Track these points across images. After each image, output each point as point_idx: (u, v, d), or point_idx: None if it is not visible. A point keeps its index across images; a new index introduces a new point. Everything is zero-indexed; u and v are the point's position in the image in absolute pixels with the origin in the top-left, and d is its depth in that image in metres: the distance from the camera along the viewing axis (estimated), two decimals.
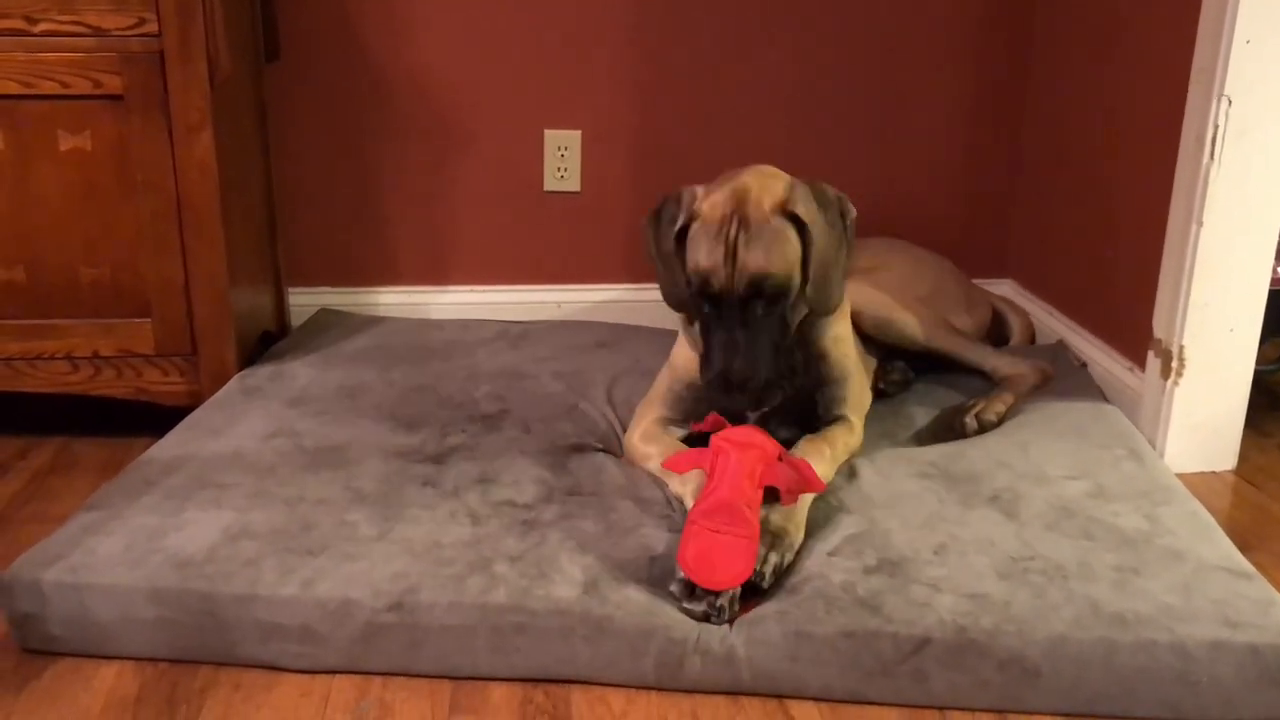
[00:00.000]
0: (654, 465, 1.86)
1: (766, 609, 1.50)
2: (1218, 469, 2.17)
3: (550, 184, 2.68)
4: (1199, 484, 2.11)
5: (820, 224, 1.77)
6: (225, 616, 1.51)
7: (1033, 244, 2.79)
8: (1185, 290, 2.05)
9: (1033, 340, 2.64)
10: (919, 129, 2.76)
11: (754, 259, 1.71)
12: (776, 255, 1.72)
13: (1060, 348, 2.51)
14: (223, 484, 1.80)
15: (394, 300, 2.71)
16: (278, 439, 1.98)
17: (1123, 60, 2.34)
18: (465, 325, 2.63)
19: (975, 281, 2.72)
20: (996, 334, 2.63)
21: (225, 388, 2.19)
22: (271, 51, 2.48)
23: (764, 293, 1.72)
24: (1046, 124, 2.70)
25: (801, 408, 1.93)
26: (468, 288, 2.73)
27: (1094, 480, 1.86)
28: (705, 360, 1.77)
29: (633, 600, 1.51)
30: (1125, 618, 1.47)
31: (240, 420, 2.05)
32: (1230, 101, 1.94)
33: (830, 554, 1.62)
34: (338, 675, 1.51)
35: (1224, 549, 1.66)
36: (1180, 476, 2.07)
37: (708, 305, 1.76)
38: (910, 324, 2.28)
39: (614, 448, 2.02)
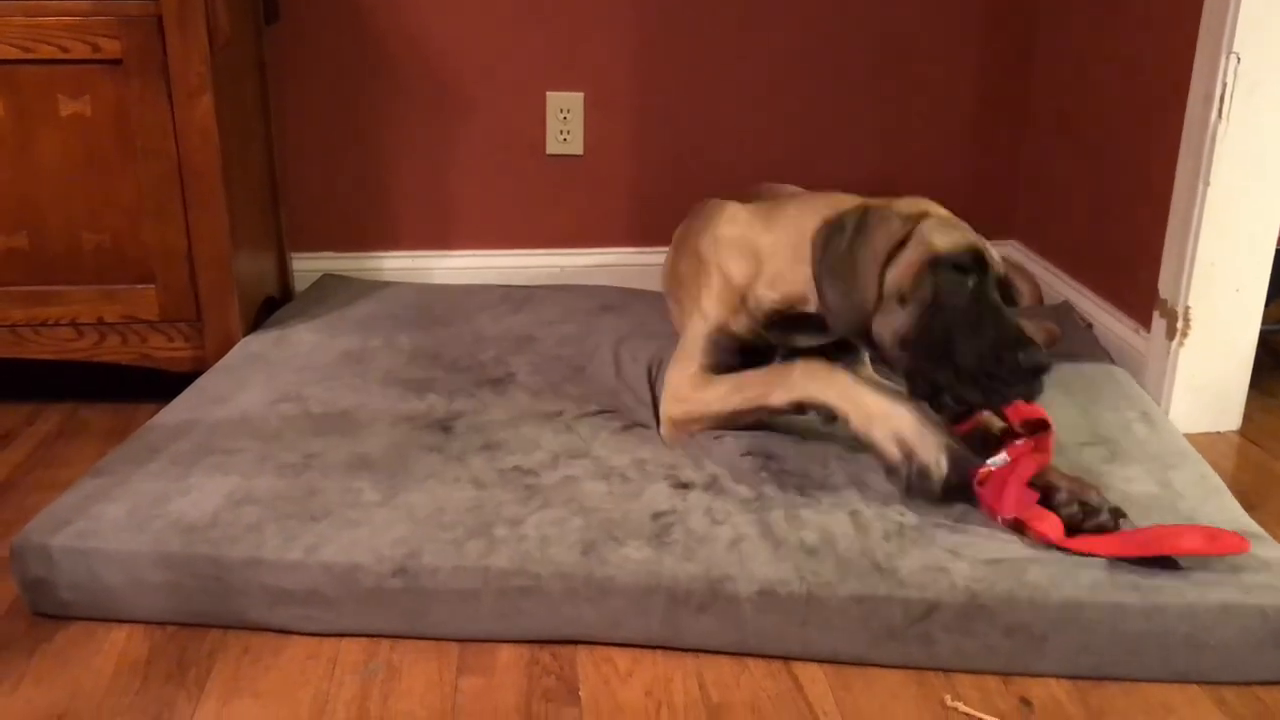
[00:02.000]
0: (738, 399, 1.82)
1: (781, 569, 1.50)
2: (1222, 429, 2.17)
3: (553, 147, 2.66)
4: (1204, 444, 2.10)
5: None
6: (231, 581, 1.52)
7: (1037, 205, 2.78)
8: (1191, 251, 2.04)
9: (1040, 302, 2.63)
10: (926, 90, 2.73)
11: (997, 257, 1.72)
12: None
13: (1066, 309, 2.50)
14: (228, 449, 1.80)
15: (397, 265, 2.71)
16: (283, 404, 1.98)
17: (1130, 17, 2.31)
18: (468, 290, 2.63)
19: None
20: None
21: (230, 354, 2.19)
22: (271, 13, 2.45)
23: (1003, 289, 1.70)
24: (1053, 84, 2.67)
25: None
26: (470, 252, 2.72)
27: (1108, 446, 1.85)
28: (954, 339, 1.63)
29: (632, 560, 1.52)
30: (1138, 583, 1.47)
31: (245, 386, 2.05)
32: (1239, 59, 1.92)
33: (852, 513, 1.63)
34: (345, 638, 1.52)
35: (1232, 511, 1.66)
36: (1185, 437, 2.08)
37: (974, 280, 1.65)
38: None
39: (623, 408, 2.02)
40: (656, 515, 1.63)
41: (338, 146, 2.62)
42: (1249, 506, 1.86)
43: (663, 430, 1.91)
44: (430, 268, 2.70)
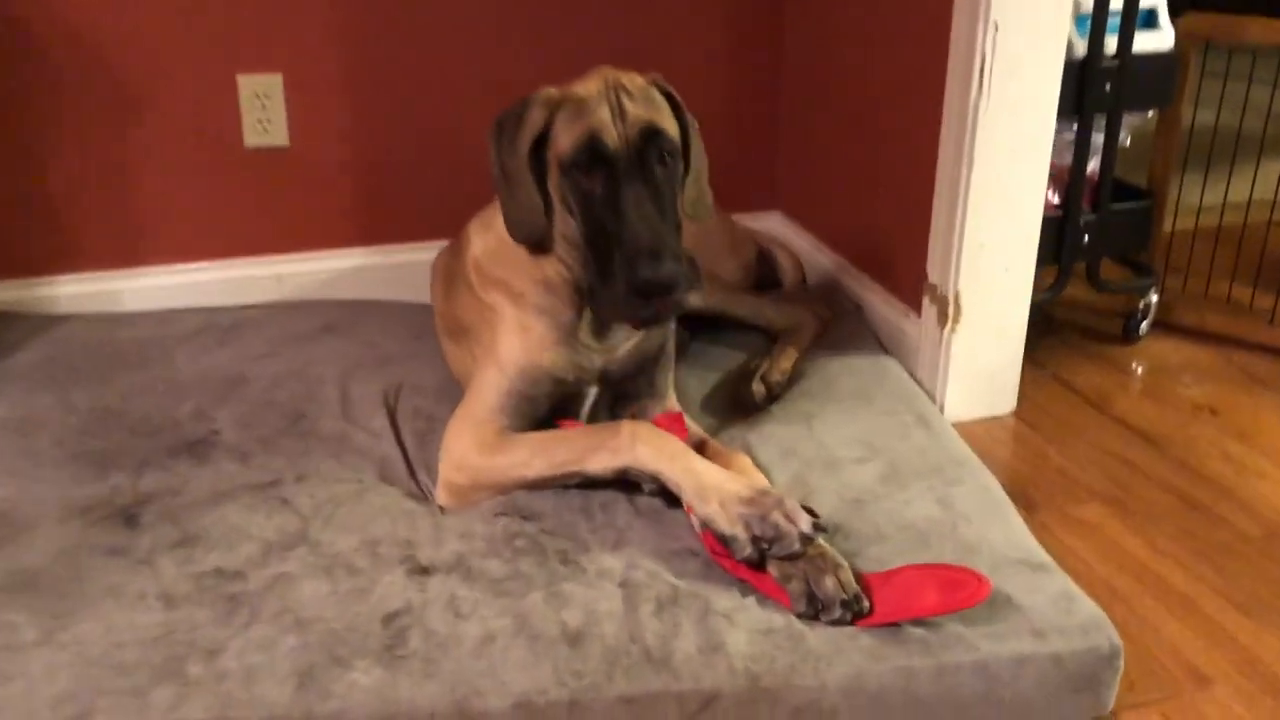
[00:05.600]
0: (544, 465, 1.58)
1: (539, 674, 1.29)
2: (998, 413, 2.08)
3: (252, 139, 2.28)
4: (979, 432, 2.02)
5: (688, 113, 1.62)
6: None
7: (800, 175, 2.61)
8: (959, 234, 1.91)
9: (803, 280, 2.47)
10: (673, 53, 2.49)
11: (643, 112, 1.53)
12: (664, 117, 1.56)
13: (832, 288, 2.36)
14: None
15: (77, 291, 2.27)
16: None
17: None
18: (163, 318, 2.23)
19: (739, 217, 2.52)
20: (764, 273, 2.45)
21: None
22: None
23: (659, 147, 1.53)
24: (807, 47, 2.48)
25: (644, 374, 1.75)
26: (166, 268, 2.32)
27: (885, 459, 1.71)
28: (607, 247, 1.49)
29: (360, 686, 1.27)
30: (926, 641, 1.33)
31: None
32: (998, 27, 1.78)
33: (622, 583, 1.43)
34: None
35: (1017, 535, 1.54)
36: (960, 426, 1.99)
37: (601, 180, 1.51)
38: None
39: (352, 460, 1.74)
40: (389, 618, 1.38)
41: None
42: (1030, 505, 1.79)
43: (440, 497, 1.64)
44: (119, 290, 2.29)
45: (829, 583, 1.37)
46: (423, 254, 2.34)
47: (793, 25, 2.52)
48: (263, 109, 2.26)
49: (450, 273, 1.92)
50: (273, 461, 1.72)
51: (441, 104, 2.35)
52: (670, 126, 1.57)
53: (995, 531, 1.54)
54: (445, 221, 2.28)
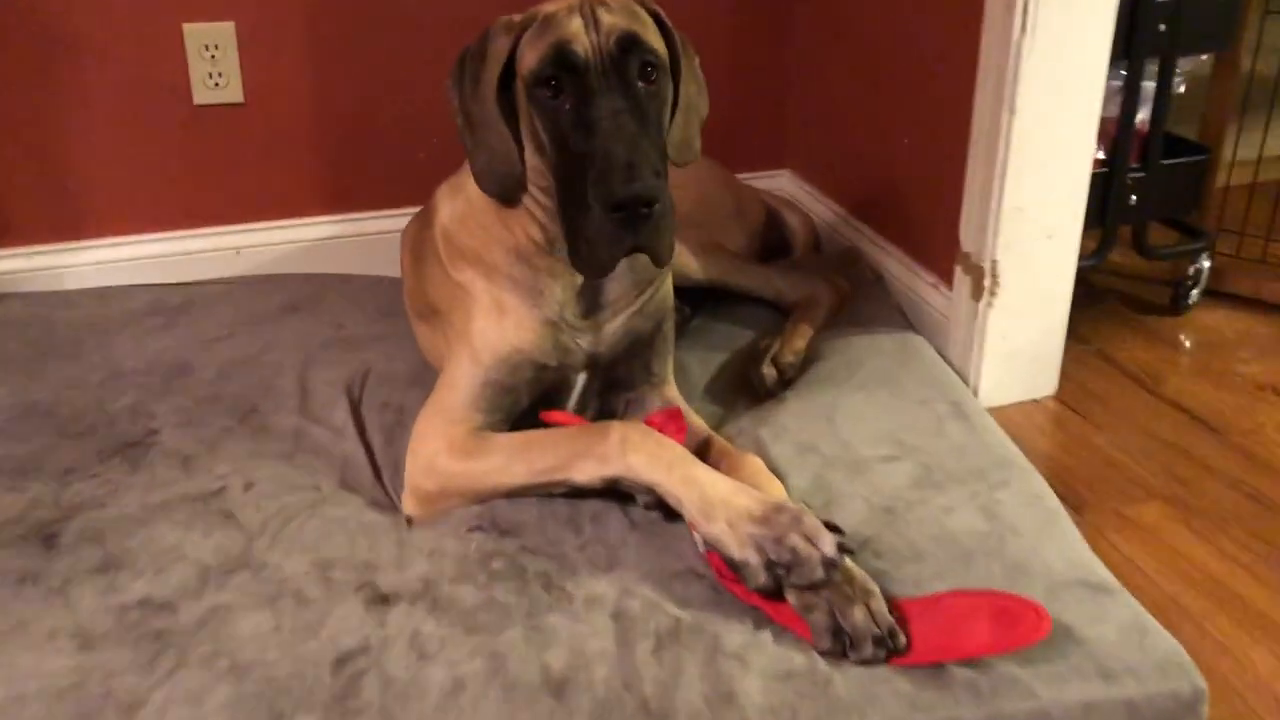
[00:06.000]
0: (524, 472, 1.38)
1: None
2: (1038, 396, 1.86)
3: (202, 96, 2.04)
4: (1018, 418, 1.81)
5: (680, 37, 1.42)
6: None
7: (813, 129, 2.37)
8: (998, 194, 1.68)
9: (817, 245, 2.24)
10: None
11: (621, 21, 1.32)
12: (648, 30, 1.35)
13: (852, 256, 2.13)
14: None
15: (11, 268, 2.04)
16: None
17: None
18: (104, 296, 2.00)
19: (744, 177, 2.29)
20: (773, 239, 2.22)
21: None
22: None
23: (640, 59, 1.32)
24: None
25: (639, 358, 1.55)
26: (110, 240, 2.09)
27: (917, 458, 1.49)
28: (580, 173, 1.28)
29: None
30: (976, 685, 1.12)
31: None
32: None
33: (615, 614, 1.23)
34: None
35: (1075, 550, 1.33)
36: (997, 411, 1.79)
37: (571, 97, 1.30)
38: (683, 256, 1.83)
39: (308, 461, 1.54)
40: (341, 661, 1.18)
41: None
42: (1078, 505, 1.59)
43: (406, 505, 1.43)
44: (58, 267, 2.06)
45: (858, 614, 1.16)
46: (395, 222, 2.12)
47: None
48: (213, 61, 2.02)
49: (419, 244, 1.70)
50: (217, 466, 1.51)
51: (415, 55, 2.11)
52: (656, 41, 1.36)
53: (1049, 546, 1.32)
54: (419, 187, 2.02)
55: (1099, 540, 1.49)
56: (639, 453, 1.31)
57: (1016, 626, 1.13)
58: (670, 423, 1.41)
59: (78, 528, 1.38)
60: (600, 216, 1.26)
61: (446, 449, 1.42)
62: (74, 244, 2.07)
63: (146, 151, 2.06)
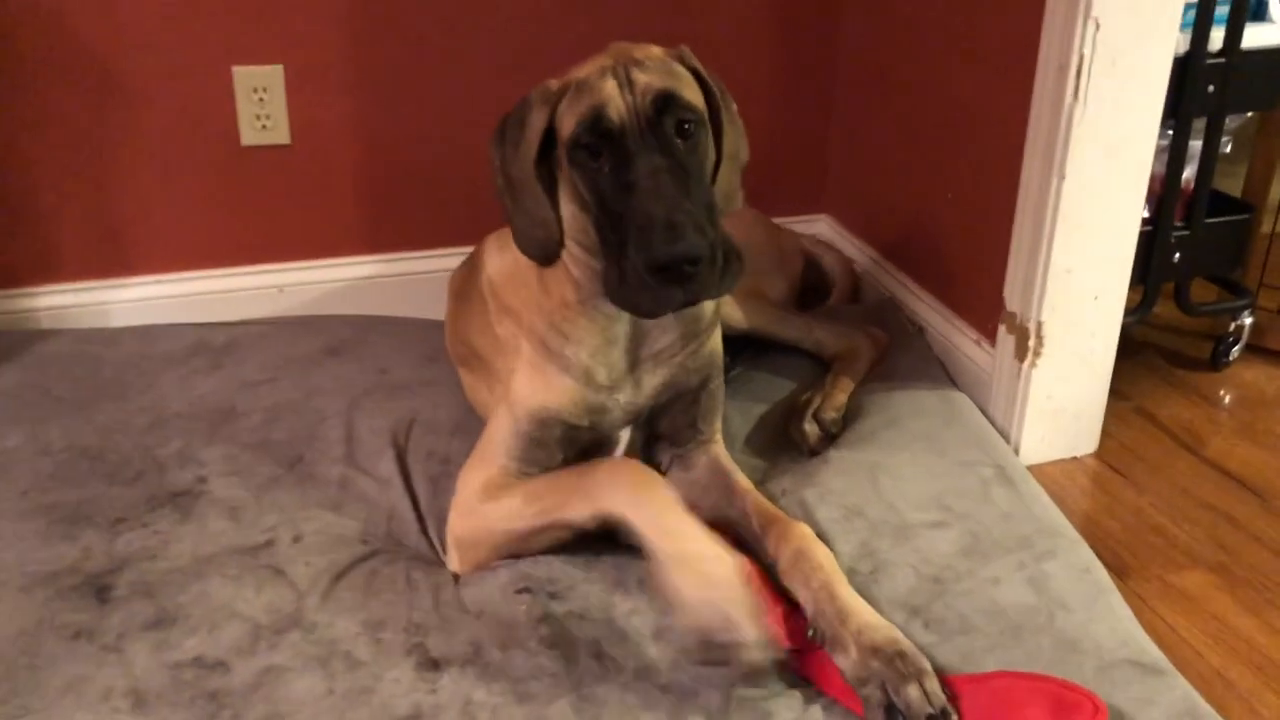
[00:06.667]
0: (532, 513, 1.39)
1: None
2: (1079, 454, 1.86)
3: (250, 137, 2.06)
4: (1059, 477, 1.80)
5: (718, 87, 1.41)
6: None
7: (854, 176, 2.36)
8: (1044, 257, 1.68)
9: (856, 291, 2.25)
10: (711, 36, 2.25)
11: (657, 80, 1.32)
12: (684, 86, 1.35)
13: (891, 307, 2.12)
14: None
15: (58, 303, 2.06)
16: None
17: None
18: (150, 334, 2.01)
19: (783, 221, 2.29)
20: (812, 285, 2.22)
21: None
22: None
23: (678, 116, 1.32)
24: (866, 30, 2.23)
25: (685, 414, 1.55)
26: (156, 277, 2.10)
27: (964, 525, 1.49)
28: (622, 234, 1.28)
29: None
30: None
31: None
32: (1099, 25, 1.54)
33: (663, 686, 1.23)
34: None
35: (1125, 626, 1.33)
36: (1037, 469, 1.78)
37: (609, 159, 1.30)
38: (726, 305, 1.83)
39: (354, 511, 1.55)
40: None
41: None
42: (1122, 570, 1.57)
43: (449, 555, 1.45)
44: (105, 303, 2.08)
45: (913, 692, 1.17)
46: (436, 263, 2.15)
47: (850, 5, 2.28)
48: (261, 104, 2.03)
49: (465, 291, 1.72)
50: (265, 516, 1.52)
51: (459, 97, 2.12)
52: (693, 97, 1.36)
53: (1099, 622, 1.32)
54: (463, 227, 2.08)
55: (1143, 609, 1.48)
56: (619, 488, 1.32)
57: (1073, 716, 1.13)
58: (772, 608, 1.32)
59: (130, 580, 1.39)
60: (646, 276, 1.26)
61: (480, 490, 1.45)
62: (121, 280, 2.09)
63: (193, 190, 2.07)
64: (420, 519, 1.56)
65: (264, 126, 2.05)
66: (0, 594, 1.36)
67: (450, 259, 1.94)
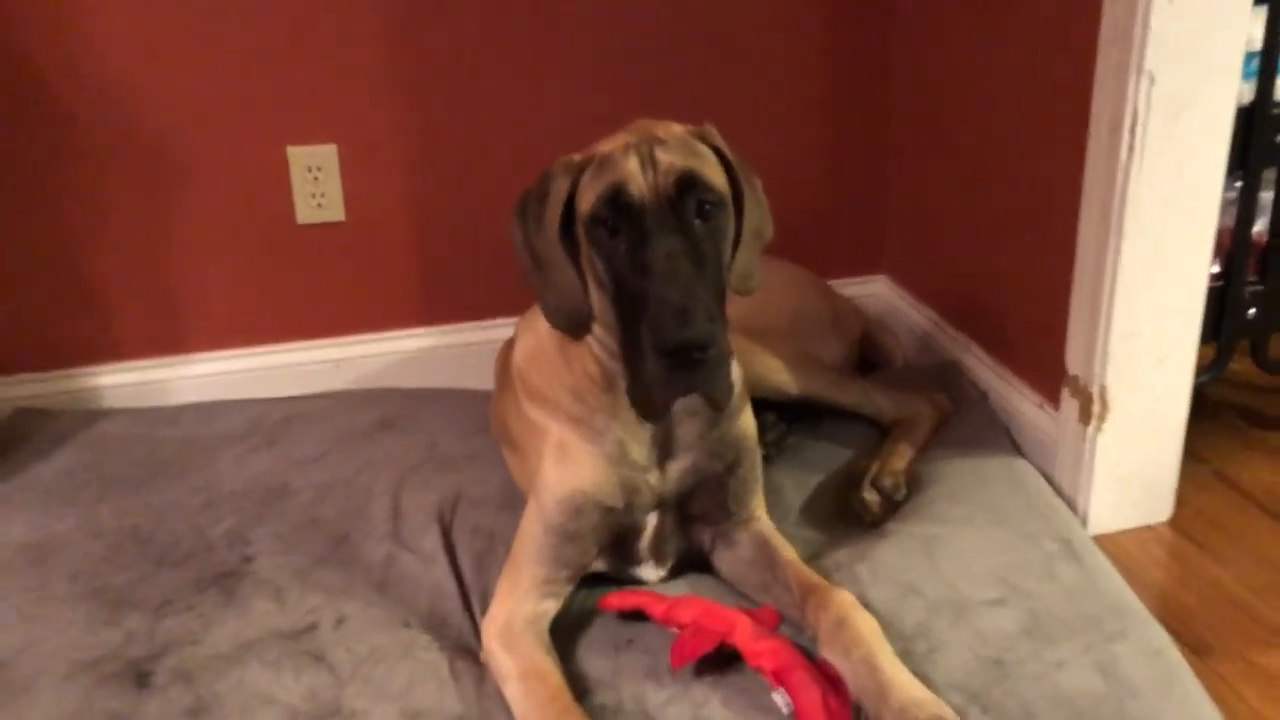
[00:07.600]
0: (513, 690, 1.31)
1: None
2: (1152, 522, 1.77)
3: (305, 215, 2.09)
4: (1131, 547, 1.71)
5: (741, 164, 1.40)
6: None
7: (909, 237, 2.32)
8: (1105, 319, 1.61)
9: (899, 361, 2.19)
10: (768, 98, 2.23)
11: (679, 159, 1.31)
12: (706, 165, 1.34)
13: (952, 370, 2.06)
14: None
15: (119, 381, 2.10)
16: None
17: (1012, 26, 1.84)
18: (209, 413, 2.04)
19: (839, 283, 2.25)
20: (868, 349, 2.17)
21: None
22: None
23: (698, 197, 1.31)
24: (920, 90, 2.20)
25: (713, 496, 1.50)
26: (214, 354, 2.14)
27: (1026, 604, 1.42)
28: (636, 315, 1.27)
29: None
30: None
31: None
32: (1153, 80, 1.48)
33: None
34: None
35: (1202, 714, 1.25)
36: (1107, 539, 1.70)
37: (626, 236, 1.29)
38: (777, 371, 1.80)
39: (397, 590, 1.53)
40: None
41: (14, 237, 2.00)
42: (1201, 649, 1.48)
43: (485, 656, 1.40)
44: (165, 381, 2.11)
45: None
46: (489, 333, 2.16)
47: (903, 66, 2.25)
48: (316, 182, 2.07)
49: (503, 373, 1.73)
50: (308, 598, 1.51)
51: (508, 171, 2.13)
52: (715, 177, 1.34)
53: (1172, 710, 1.24)
54: (513, 299, 2.07)
55: (1225, 691, 1.39)
56: None
57: None
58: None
59: (170, 666, 1.39)
60: (655, 359, 1.25)
61: (502, 627, 1.39)
62: (179, 358, 2.13)
63: (250, 268, 2.11)
64: (464, 595, 1.54)
65: (319, 205, 2.08)
66: (42, 682, 1.37)
67: (503, 329, 1.94)
